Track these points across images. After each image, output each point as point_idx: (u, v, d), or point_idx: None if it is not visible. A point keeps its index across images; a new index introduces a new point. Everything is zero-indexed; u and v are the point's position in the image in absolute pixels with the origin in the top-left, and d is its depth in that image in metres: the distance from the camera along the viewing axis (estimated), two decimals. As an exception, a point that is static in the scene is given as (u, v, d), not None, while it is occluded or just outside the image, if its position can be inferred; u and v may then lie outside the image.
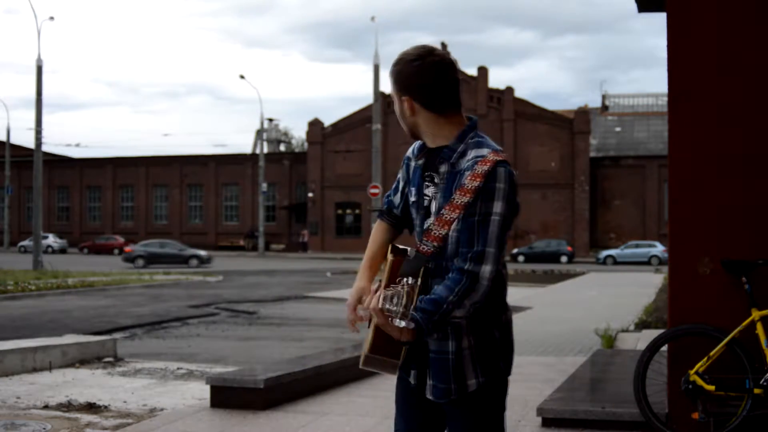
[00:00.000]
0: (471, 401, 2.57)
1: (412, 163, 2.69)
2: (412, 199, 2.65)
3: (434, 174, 2.59)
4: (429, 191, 2.60)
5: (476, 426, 2.59)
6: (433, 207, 2.57)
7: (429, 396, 2.58)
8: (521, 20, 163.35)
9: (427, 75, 2.55)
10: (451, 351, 2.53)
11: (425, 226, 2.59)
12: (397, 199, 2.77)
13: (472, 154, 2.53)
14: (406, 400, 2.70)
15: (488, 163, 2.47)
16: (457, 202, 2.46)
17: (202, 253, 42.90)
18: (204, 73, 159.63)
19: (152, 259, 40.96)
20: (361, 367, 2.56)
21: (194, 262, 41.53)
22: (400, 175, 2.78)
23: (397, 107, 2.66)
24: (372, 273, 2.69)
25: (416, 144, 2.70)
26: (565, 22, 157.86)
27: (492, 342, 2.59)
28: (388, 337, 2.46)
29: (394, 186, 2.81)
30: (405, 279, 2.43)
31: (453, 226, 2.48)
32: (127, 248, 43.76)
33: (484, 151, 2.52)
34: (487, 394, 2.58)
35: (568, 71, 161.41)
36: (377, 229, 2.79)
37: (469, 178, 2.46)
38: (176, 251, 42.57)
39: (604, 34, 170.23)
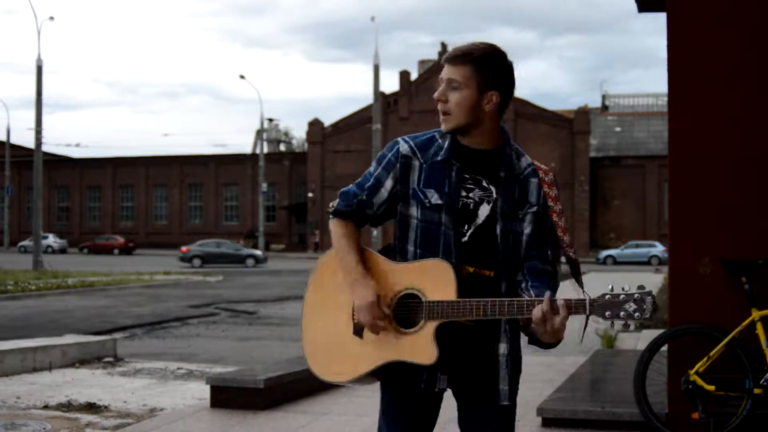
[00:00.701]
0: (514, 402, 2.67)
1: (416, 163, 2.56)
2: (435, 201, 2.52)
3: (481, 177, 2.54)
4: (473, 194, 2.53)
5: (510, 427, 2.70)
6: (484, 210, 2.53)
7: (505, 402, 2.60)
8: (520, 20, 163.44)
9: (513, 76, 2.57)
10: (514, 352, 2.60)
11: (527, 230, 2.54)
12: (378, 199, 2.60)
13: (523, 160, 2.60)
14: (412, 410, 2.61)
15: (549, 173, 2.60)
16: (557, 209, 2.55)
17: (258, 252, 43.21)
18: (204, 73, 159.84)
19: (209, 259, 41.09)
20: (348, 384, 2.59)
21: (251, 261, 41.69)
22: (377, 173, 2.60)
23: (460, 96, 2.50)
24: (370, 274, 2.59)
25: (414, 143, 2.59)
26: (564, 22, 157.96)
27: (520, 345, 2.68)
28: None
29: (369, 185, 2.61)
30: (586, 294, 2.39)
31: (526, 231, 2.56)
32: (184, 248, 43.99)
33: (529, 159, 2.63)
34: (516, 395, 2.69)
35: (567, 71, 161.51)
36: (352, 231, 2.63)
37: (546, 185, 2.57)
38: (232, 251, 42.84)
39: (603, 34, 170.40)
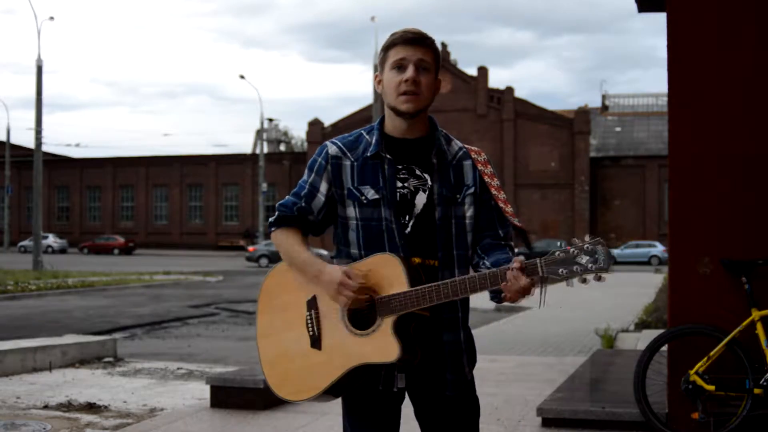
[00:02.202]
0: (470, 391, 2.60)
1: (347, 162, 2.53)
2: (372, 197, 2.49)
3: (413, 166, 2.52)
4: (408, 184, 2.51)
5: (475, 422, 2.61)
6: (420, 199, 2.50)
7: (449, 392, 2.51)
8: (519, 20, 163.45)
9: None
10: (462, 340, 2.55)
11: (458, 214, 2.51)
12: (316, 204, 2.56)
13: (453, 144, 2.60)
14: (374, 414, 2.56)
15: (482, 153, 2.59)
16: (494, 184, 2.55)
17: (324, 252, 43.39)
18: (202, 73, 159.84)
19: (276, 259, 41.22)
20: (305, 401, 2.54)
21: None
22: (311, 179, 2.56)
23: (430, 78, 2.51)
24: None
25: (342, 143, 2.57)
26: (562, 22, 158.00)
27: (471, 333, 2.64)
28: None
29: (306, 191, 2.57)
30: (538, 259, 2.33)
31: (468, 214, 2.55)
32: (251, 248, 44.61)
33: (459, 143, 2.63)
34: (473, 385, 2.62)
35: (565, 71, 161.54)
36: (298, 235, 2.58)
37: (481, 164, 2.56)
38: None
39: (601, 34, 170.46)
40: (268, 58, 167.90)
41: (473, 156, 2.57)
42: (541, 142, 55.94)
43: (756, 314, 5.08)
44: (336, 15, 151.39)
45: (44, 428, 5.87)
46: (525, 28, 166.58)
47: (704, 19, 5.41)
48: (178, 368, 9.10)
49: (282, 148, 78.26)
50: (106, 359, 9.40)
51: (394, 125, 2.55)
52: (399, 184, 2.51)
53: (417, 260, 2.47)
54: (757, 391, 4.97)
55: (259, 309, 2.64)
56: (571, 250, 2.28)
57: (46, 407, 6.64)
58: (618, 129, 61.52)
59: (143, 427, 5.88)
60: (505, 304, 2.60)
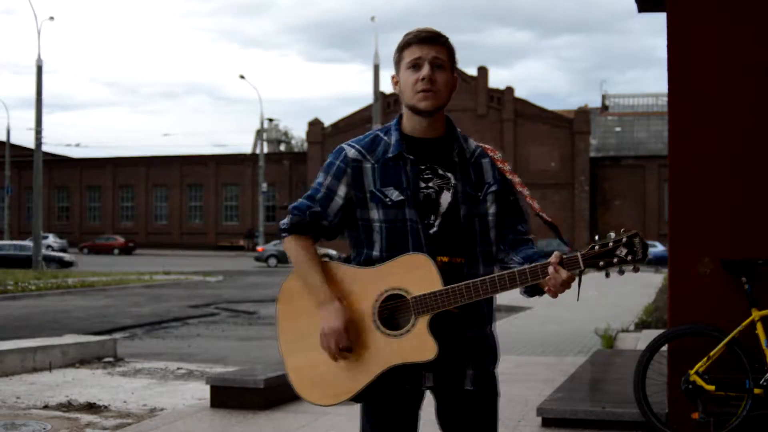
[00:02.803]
0: (492, 386, 2.60)
1: (368, 165, 2.52)
2: (396, 198, 2.48)
3: (436, 165, 2.53)
4: (433, 183, 2.52)
5: (494, 416, 2.61)
6: (446, 198, 2.51)
7: (471, 387, 2.52)
8: (517, 20, 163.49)
9: None
10: (488, 336, 2.58)
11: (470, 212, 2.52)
12: (333, 208, 2.54)
13: (470, 142, 2.62)
14: (394, 413, 2.55)
15: (497, 151, 2.62)
16: (516, 180, 2.58)
17: (332, 252, 43.44)
18: (201, 73, 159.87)
19: (284, 258, 41.46)
20: (330, 405, 2.55)
21: (325, 259, 42.12)
22: (328, 183, 2.54)
23: (446, 76, 2.52)
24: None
25: (360, 145, 2.55)
26: (561, 22, 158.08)
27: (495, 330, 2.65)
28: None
29: (321, 195, 2.55)
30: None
31: (490, 211, 2.57)
32: (260, 248, 45.49)
33: (474, 141, 2.64)
34: (495, 379, 2.62)
35: (564, 71, 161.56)
36: (310, 247, 2.56)
37: (500, 162, 2.59)
38: None
39: (600, 34, 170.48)
40: (268, 58, 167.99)
41: (490, 154, 2.60)
42: (541, 142, 55.95)
43: (756, 314, 5.08)
44: (335, 15, 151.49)
45: (44, 428, 5.87)
46: (524, 28, 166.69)
47: (704, 19, 5.41)
48: (178, 368, 9.10)
49: (282, 148, 78.29)
50: (106, 359, 9.40)
51: (412, 125, 2.55)
52: (423, 185, 2.51)
53: (444, 259, 2.49)
54: (757, 391, 4.97)
55: (280, 312, 2.62)
56: (610, 243, 2.35)
57: (46, 407, 6.64)
58: (618, 129, 61.53)
59: (143, 427, 5.88)
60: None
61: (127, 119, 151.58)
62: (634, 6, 6.39)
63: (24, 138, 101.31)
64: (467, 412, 2.55)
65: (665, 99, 6.41)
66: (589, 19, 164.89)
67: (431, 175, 2.53)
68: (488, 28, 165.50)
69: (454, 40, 2.56)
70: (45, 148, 39.47)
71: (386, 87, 40.84)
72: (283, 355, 2.60)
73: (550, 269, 2.35)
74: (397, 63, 2.55)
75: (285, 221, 2.59)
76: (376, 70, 37.90)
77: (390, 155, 2.52)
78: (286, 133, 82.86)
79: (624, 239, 2.33)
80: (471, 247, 2.52)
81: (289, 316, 2.60)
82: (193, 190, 68.26)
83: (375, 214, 2.52)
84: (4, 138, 60.38)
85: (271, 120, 76.51)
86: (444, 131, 2.57)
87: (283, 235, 2.59)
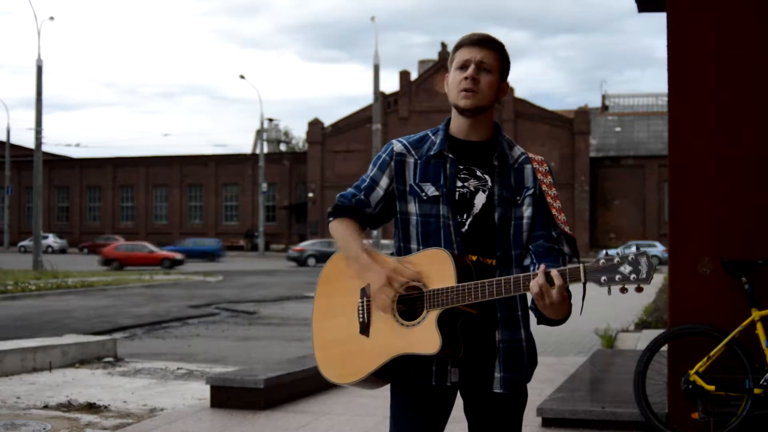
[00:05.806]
0: (524, 392, 2.62)
1: (411, 160, 2.62)
2: (432, 193, 2.57)
3: (474, 167, 2.59)
4: (469, 184, 2.58)
5: (519, 418, 2.63)
6: (480, 199, 2.57)
7: (498, 389, 2.53)
8: (514, 20, 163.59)
9: None
10: (523, 338, 2.59)
11: (502, 215, 2.55)
12: (375, 197, 2.65)
13: (516, 149, 2.66)
14: (422, 410, 2.59)
15: (544, 164, 2.65)
16: (551, 193, 2.59)
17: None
18: (200, 73, 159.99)
19: (323, 258, 41.62)
20: (357, 385, 2.58)
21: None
22: (372, 174, 2.66)
23: (491, 79, 2.57)
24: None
25: (408, 141, 2.65)
26: (558, 22, 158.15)
27: (532, 334, 2.66)
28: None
29: (366, 185, 2.66)
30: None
31: (526, 214, 2.59)
32: (297, 248, 45.68)
33: (522, 149, 2.68)
34: (525, 383, 2.63)
35: (562, 71, 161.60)
36: (354, 225, 2.64)
37: (541, 174, 2.60)
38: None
39: (597, 34, 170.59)
40: (265, 58, 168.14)
41: (535, 165, 2.64)
42: (541, 142, 55.93)
43: (756, 314, 5.08)
44: (331, 15, 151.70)
45: (44, 428, 5.87)
46: (520, 28, 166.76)
47: (704, 19, 5.41)
48: (178, 368, 9.10)
49: (282, 148, 78.31)
50: (106, 359, 9.40)
51: (458, 126, 2.63)
52: (459, 184, 2.58)
53: (473, 258, 2.53)
54: (757, 391, 4.97)
55: (317, 292, 2.72)
56: (616, 259, 2.32)
57: (46, 407, 6.64)
58: (618, 129, 61.52)
59: (143, 427, 5.88)
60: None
61: (127, 119, 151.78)
62: (630, 6, 6.41)
63: (24, 138, 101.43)
64: (493, 414, 2.58)
65: (665, 99, 6.42)
66: (585, 19, 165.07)
67: (468, 176, 2.59)
68: (485, 28, 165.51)
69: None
70: (45, 148, 39.51)
71: (386, 87, 40.80)
72: (313, 332, 2.70)
73: (541, 279, 2.32)
74: (450, 63, 2.65)
75: (330, 208, 2.72)
76: (376, 70, 37.90)
77: (432, 153, 2.61)
78: (286, 133, 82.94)
79: (630, 257, 2.31)
80: (504, 250, 2.56)
81: (324, 296, 2.70)
82: (193, 190, 68.27)
83: (412, 207, 2.61)
84: (4, 138, 60.47)
85: (271, 120, 76.56)
86: (490, 136, 2.63)
87: (329, 219, 2.70)
